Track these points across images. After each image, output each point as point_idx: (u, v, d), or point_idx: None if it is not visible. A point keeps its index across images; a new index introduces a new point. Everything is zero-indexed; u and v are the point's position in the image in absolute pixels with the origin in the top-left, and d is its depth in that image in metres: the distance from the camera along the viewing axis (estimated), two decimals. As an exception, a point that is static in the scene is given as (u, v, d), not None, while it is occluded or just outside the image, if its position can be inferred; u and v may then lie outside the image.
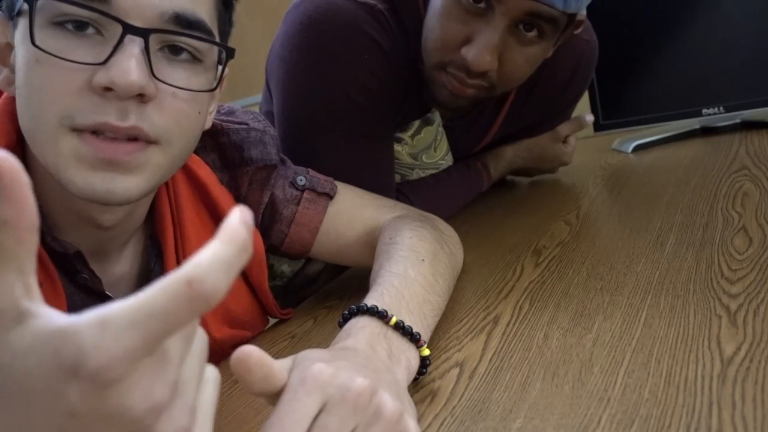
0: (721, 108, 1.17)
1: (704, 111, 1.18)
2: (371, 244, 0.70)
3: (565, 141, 1.06)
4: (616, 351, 0.47)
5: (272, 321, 0.73)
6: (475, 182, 0.98)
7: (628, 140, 1.24)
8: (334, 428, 0.34)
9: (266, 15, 2.74)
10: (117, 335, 0.22)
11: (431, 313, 0.54)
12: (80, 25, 0.44)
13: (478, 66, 0.70)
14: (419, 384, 0.49)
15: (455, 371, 0.49)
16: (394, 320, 0.47)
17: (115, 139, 0.46)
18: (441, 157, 0.93)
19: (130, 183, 0.47)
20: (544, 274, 0.65)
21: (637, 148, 1.20)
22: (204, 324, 0.59)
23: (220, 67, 0.53)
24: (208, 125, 0.58)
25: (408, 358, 0.46)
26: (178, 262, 0.59)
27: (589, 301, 0.56)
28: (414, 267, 0.57)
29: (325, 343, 0.62)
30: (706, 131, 1.22)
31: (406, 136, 0.88)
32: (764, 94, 1.13)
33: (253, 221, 0.26)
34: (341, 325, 0.49)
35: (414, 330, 0.48)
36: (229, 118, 0.67)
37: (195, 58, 0.49)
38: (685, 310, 0.50)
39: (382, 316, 0.47)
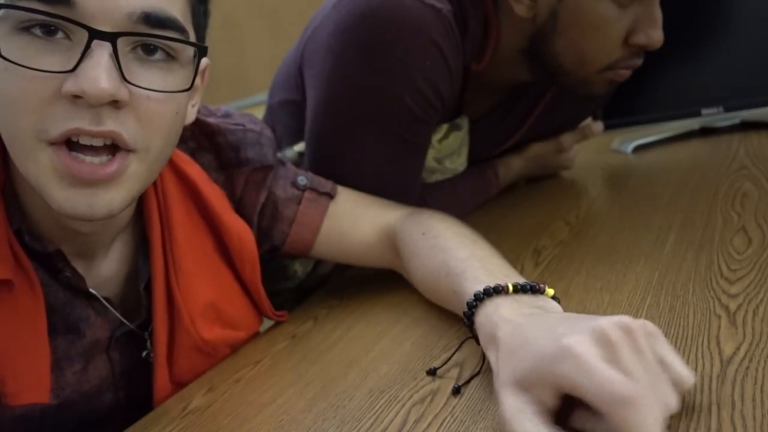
0: (721, 108, 1.16)
1: (704, 111, 1.18)
2: (382, 243, 0.70)
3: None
4: (615, 351, 0.47)
5: (270, 322, 0.73)
6: (486, 190, 0.98)
7: (627, 140, 1.24)
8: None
9: (266, 15, 2.74)
10: None
11: (519, 275, 0.54)
12: (49, 30, 0.43)
13: (660, 41, 0.74)
14: (419, 384, 0.49)
15: (455, 371, 0.49)
16: (511, 287, 0.48)
17: (92, 148, 0.45)
18: (461, 163, 0.92)
19: (111, 197, 0.46)
20: (544, 274, 0.65)
21: (637, 149, 1.20)
22: (193, 324, 0.59)
23: (196, 62, 0.51)
24: (191, 119, 0.56)
25: (548, 305, 0.47)
26: (165, 261, 0.59)
27: (589, 301, 0.56)
28: (474, 247, 0.58)
29: (325, 342, 0.62)
30: (706, 131, 1.21)
31: (434, 140, 0.86)
32: (764, 94, 1.13)
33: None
34: (469, 325, 0.49)
35: (529, 284, 0.48)
36: (226, 120, 0.67)
37: (170, 56, 0.48)
38: (685, 310, 0.50)
39: (498, 290, 0.48)
